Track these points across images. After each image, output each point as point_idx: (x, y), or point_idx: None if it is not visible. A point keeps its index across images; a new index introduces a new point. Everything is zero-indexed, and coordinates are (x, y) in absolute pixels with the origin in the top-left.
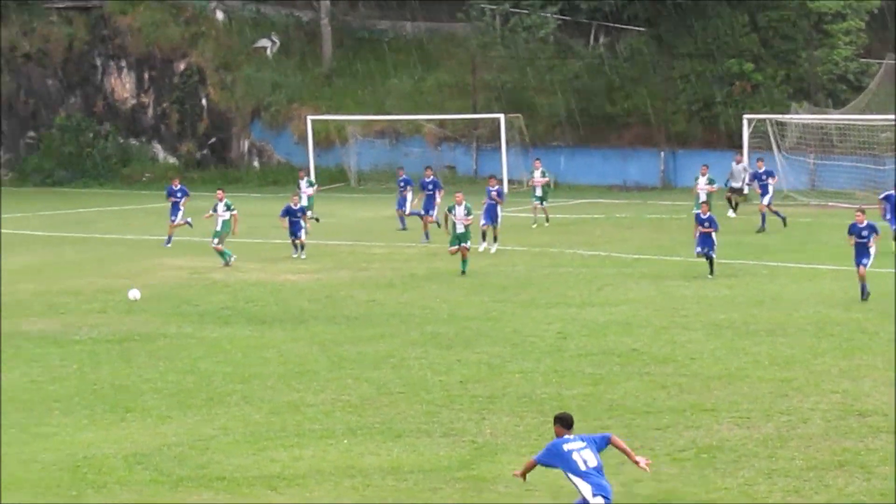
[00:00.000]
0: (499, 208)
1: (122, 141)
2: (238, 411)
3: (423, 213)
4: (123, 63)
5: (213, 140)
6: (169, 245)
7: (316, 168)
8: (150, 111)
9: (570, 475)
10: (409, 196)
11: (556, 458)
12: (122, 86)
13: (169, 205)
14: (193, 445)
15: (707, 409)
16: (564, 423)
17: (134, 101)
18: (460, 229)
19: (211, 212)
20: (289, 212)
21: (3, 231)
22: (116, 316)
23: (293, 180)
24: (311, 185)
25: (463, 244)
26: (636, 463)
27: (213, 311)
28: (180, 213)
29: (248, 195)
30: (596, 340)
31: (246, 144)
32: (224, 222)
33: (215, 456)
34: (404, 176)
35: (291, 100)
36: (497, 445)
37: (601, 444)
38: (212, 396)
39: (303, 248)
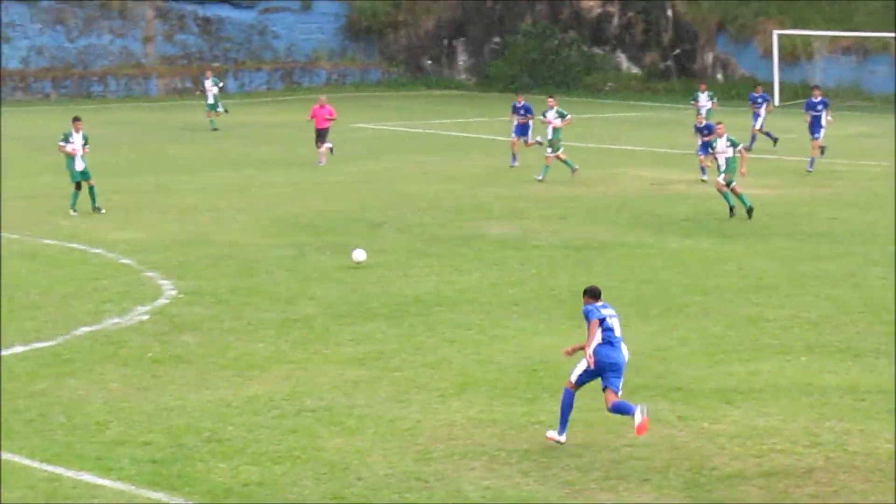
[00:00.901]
0: None
1: (585, 49)
2: (696, 323)
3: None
4: None
5: (677, 51)
6: (515, 164)
7: (780, 83)
8: (615, 20)
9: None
10: (763, 113)
11: (596, 314)
12: None
13: (513, 122)
14: (651, 355)
15: None
16: (594, 294)
17: (599, 10)
18: (721, 164)
19: (542, 118)
20: (699, 130)
21: (465, 135)
22: (576, 223)
23: None
24: (710, 98)
25: (717, 179)
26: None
27: (674, 222)
28: (530, 132)
29: None
30: None
31: (710, 57)
32: (555, 130)
33: (672, 366)
34: (761, 91)
35: (758, 13)
36: None
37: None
38: (670, 307)
39: (702, 170)
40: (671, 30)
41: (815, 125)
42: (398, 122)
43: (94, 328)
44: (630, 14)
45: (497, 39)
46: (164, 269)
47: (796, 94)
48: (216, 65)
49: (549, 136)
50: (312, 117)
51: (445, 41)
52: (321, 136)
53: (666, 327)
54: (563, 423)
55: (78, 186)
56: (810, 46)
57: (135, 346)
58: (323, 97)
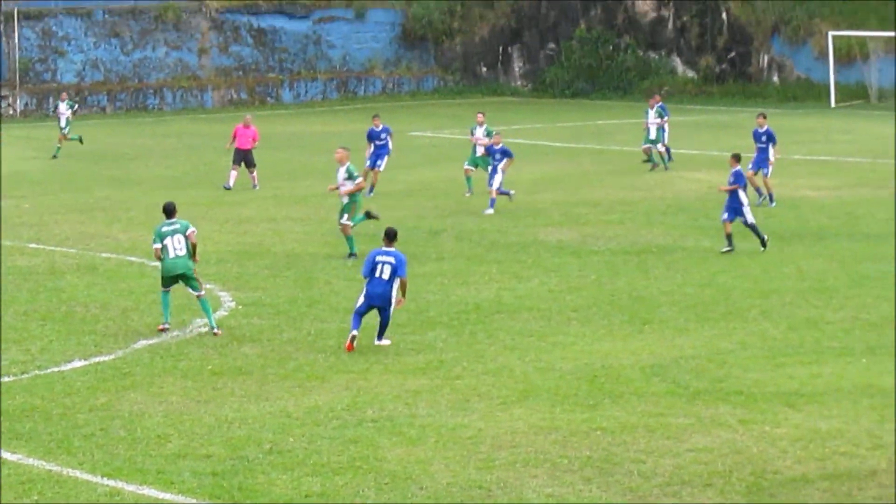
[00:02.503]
0: None
1: (641, 54)
2: (756, 326)
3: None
4: None
5: (733, 54)
6: (370, 194)
7: (836, 84)
8: (670, 24)
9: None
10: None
11: (368, 263)
12: None
13: (370, 149)
14: (711, 359)
15: None
16: (389, 236)
17: (654, 15)
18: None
19: (471, 136)
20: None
21: (522, 141)
22: (634, 228)
23: (813, 96)
24: (659, 115)
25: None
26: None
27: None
28: (386, 159)
29: (767, 109)
30: None
31: (766, 59)
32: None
33: (733, 370)
34: (659, 101)
35: (812, 14)
36: None
37: (399, 271)
38: (730, 310)
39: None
40: (726, 32)
41: (760, 159)
42: (455, 129)
43: (153, 341)
44: (685, 18)
45: (552, 45)
46: (223, 281)
47: (853, 94)
48: (272, 75)
49: (476, 154)
50: (235, 138)
51: (501, 48)
52: (243, 157)
53: (726, 331)
54: None
55: None
56: (866, 47)
57: (194, 358)
58: (248, 116)
